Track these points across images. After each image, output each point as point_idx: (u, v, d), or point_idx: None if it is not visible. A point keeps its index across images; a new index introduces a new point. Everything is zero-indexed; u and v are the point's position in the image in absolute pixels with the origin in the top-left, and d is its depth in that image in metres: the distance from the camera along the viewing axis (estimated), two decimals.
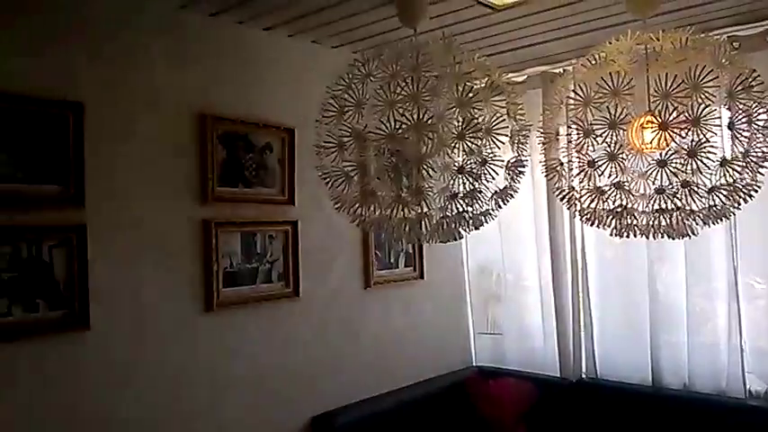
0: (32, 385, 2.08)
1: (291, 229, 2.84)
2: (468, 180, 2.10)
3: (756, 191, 2.16)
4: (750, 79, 2.03)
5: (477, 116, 2.04)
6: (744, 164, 2.08)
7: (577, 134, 2.13)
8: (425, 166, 2.12)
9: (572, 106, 2.13)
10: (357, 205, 2.24)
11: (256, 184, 2.73)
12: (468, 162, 2.09)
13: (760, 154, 2.09)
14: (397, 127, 2.05)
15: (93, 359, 2.22)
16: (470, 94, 2.01)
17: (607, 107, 2.02)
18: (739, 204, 2.16)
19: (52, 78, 2.15)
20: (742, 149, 2.07)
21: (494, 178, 2.18)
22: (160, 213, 2.42)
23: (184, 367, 2.47)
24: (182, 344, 2.47)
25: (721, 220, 2.21)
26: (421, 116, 2.05)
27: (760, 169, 2.13)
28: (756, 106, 2.06)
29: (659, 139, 2.13)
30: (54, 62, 2.16)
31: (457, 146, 2.06)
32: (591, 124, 2.06)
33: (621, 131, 2.05)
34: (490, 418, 3.37)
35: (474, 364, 3.87)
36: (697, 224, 2.19)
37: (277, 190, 2.80)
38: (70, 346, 2.16)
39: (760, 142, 2.09)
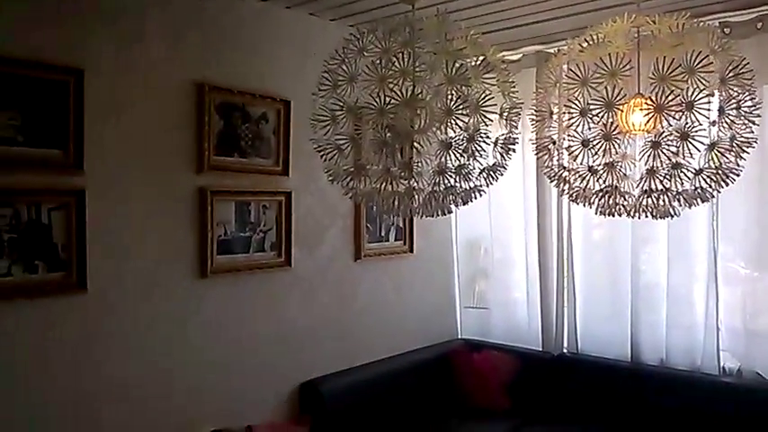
0: (30, 344, 2.13)
1: (285, 199, 2.89)
2: (455, 156, 2.15)
3: (738, 175, 2.24)
4: (740, 67, 2.09)
5: (466, 93, 2.09)
6: (730, 148, 2.15)
7: (571, 114, 2.18)
8: (415, 142, 2.18)
9: (568, 85, 2.17)
10: (349, 178, 2.29)
11: (252, 155, 2.77)
12: (455, 138, 2.14)
13: (745, 139, 2.17)
14: (388, 102, 2.10)
15: (91, 320, 2.28)
16: (460, 71, 2.05)
17: (605, 87, 2.07)
18: (722, 187, 2.24)
19: (53, 44, 2.16)
20: (729, 134, 2.14)
21: (481, 155, 2.24)
22: (157, 180, 2.47)
23: (178, 331, 2.54)
24: (176, 308, 2.53)
25: (704, 201, 2.29)
26: (411, 92, 2.10)
27: (742, 154, 2.21)
28: (745, 93, 2.12)
29: (650, 122, 2.20)
30: (55, 29, 2.17)
31: (448, 122, 2.11)
32: (588, 104, 2.11)
33: (617, 112, 2.10)
34: (474, 388, 3.48)
35: (460, 336, 3.96)
36: (681, 205, 2.27)
37: (272, 161, 2.84)
38: (68, 307, 2.22)
39: (745, 127, 2.16)
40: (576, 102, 2.15)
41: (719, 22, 2.80)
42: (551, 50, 3.41)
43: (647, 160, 2.15)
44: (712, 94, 2.10)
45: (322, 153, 2.30)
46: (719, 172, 2.18)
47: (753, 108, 2.16)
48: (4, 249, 2.07)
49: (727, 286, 3.02)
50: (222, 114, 2.65)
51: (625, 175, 2.24)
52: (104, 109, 2.29)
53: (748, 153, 2.22)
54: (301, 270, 2.99)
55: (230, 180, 2.69)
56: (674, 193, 2.23)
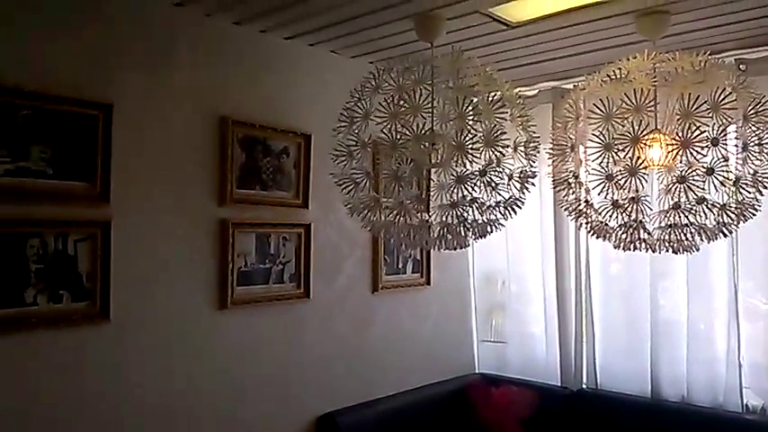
0: (53, 373, 2.15)
1: (305, 231, 2.93)
2: (467, 189, 2.18)
3: (759, 209, 2.26)
4: (761, 104, 2.13)
5: (477, 128, 2.14)
6: (753, 183, 2.17)
7: (594, 148, 2.21)
8: (432, 174, 2.23)
9: (591, 120, 2.21)
10: (366, 211, 2.33)
11: (273, 187, 2.81)
12: (467, 173, 2.17)
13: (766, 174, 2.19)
14: (399, 137, 2.15)
15: (112, 350, 2.30)
16: (470, 107, 2.10)
17: (631, 122, 2.10)
18: (744, 221, 2.25)
19: (84, 80, 2.24)
20: (752, 169, 2.16)
21: (495, 189, 2.27)
22: (180, 212, 2.51)
23: (197, 362, 2.55)
24: (196, 339, 2.55)
25: (725, 236, 2.30)
26: (422, 127, 2.15)
27: (763, 189, 2.23)
28: (766, 130, 2.15)
29: (668, 157, 2.23)
30: (86, 65, 2.25)
31: (461, 156, 2.14)
32: (613, 138, 2.14)
33: (643, 146, 2.13)
34: (491, 424, 3.44)
35: (477, 370, 3.93)
36: (702, 240, 2.28)
37: (292, 193, 2.89)
38: (91, 336, 2.24)
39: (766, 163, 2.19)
40: (601, 136, 2.19)
41: (735, 59, 2.83)
42: (567, 86, 3.46)
43: (674, 194, 2.18)
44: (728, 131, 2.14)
45: (343, 186, 2.37)
46: (744, 206, 2.20)
47: None
48: (30, 279, 2.11)
49: (748, 322, 2.98)
50: (245, 148, 2.71)
51: (650, 207, 2.26)
52: (131, 142, 2.35)
53: (766, 188, 2.25)
54: (320, 301, 3.01)
55: (251, 212, 2.73)
56: (697, 228, 2.25)
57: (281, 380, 2.84)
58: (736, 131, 2.19)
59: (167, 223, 2.47)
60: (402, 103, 2.17)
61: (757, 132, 2.17)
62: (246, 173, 2.71)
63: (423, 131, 2.16)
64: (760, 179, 2.22)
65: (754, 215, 2.26)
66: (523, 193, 2.37)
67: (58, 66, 2.18)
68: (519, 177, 2.33)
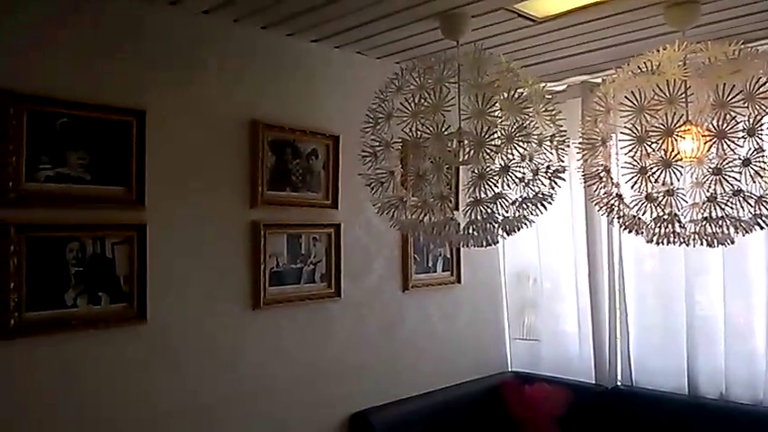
0: (93, 372, 2.22)
1: (335, 231, 2.95)
2: (489, 186, 2.19)
3: None
4: None
5: (499, 124, 2.14)
6: None
7: (627, 141, 2.18)
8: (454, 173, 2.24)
9: (624, 113, 2.19)
10: (393, 209, 2.36)
11: (302, 189, 2.85)
12: (488, 169, 2.18)
13: None
14: (420, 137, 2.16)
15: (150, 350, 2.36)
16: (490, 104, 2.10)
17: (665, 114, 2.08)
18: None
19: (118, 87, 2.30)
20: None
21: (526, 185, 2.26)
22: (213, 215, 2.56)
23: (232, 361, 2.60)
24: (230, 339, 2.60)
25: (761, 228, 2.25)
26: (442, 125, 2.16)
27: None
28: None
29: (702, 149, 2.19)
30: (119, 73, 2.31)
31: (485, 153, 2.14)
32: (647, 131, 2.11)
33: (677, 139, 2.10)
34: (525, 422, 3.42)
35: (509, 368, 3.91)
36: (737, 232, 2.23)
37: (322, 194, 2.92)
38: (129, 336, 2.31)
39: None
40: (635, 129, 2.17)
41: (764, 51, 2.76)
42: (596, 80, 3.42)
43: (708, 187, 2.14)
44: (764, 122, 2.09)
45: (371, 185, 2.39)
46: None
47: None
48: (70, 282, 2.18)
49: None
50: (274, 150, 2.75)
51: (684, 200, 2.23)
52: (164, 147, 2.41)
53: None
54: (350, 301, 3.04)
55: (282, 214, 2.77)
56: (733, 220, 2.20)
57: (313, 378, 2.87)
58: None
59: (200, 226, 2.52)
60: (423, 101, 2.18)
61: None
62: (277, 175, 2.75)
63: (445, 129, 2.17)
64: None
65: None
66: (553, 189, 2.35)
67: (93, 74, 2.25)
68: (547, 172, 2.32)
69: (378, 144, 2.36)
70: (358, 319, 3.08)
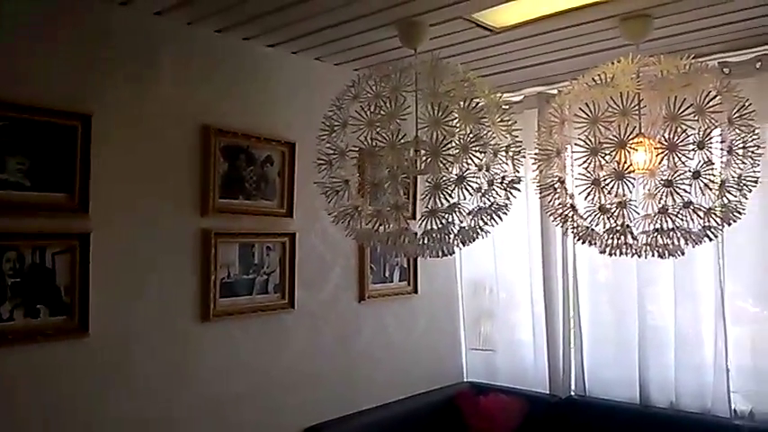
0: (31, 389, 2.10)
1: (289, 240, 2.89)
2: (444, 196, 2.17)
3: (743, 212, 2.25)
4: (745, 108, 2.13)
5: (454, 134, 2.13)
6: (738, 186, 2.17)
7: (583, 152, 2.19)
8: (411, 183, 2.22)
9: (578, 124, 2.20)
10: (348, 219, 2.32)
11: (256, 197, 2.78)
12: (443, 179, 2.16)
13: (751, 177, 2.19)
14: (374, 144, 2.14)
15: (92, 365, 2.24)
16: (445, 113, 2.09)
17: (618, 126, 2.09)
18: (729, 225, 2.24)
19: (62, 90, 2.20)
20: (737, 173, 2.16)
21: (483, 195, 2.26)
22: (161, 223, 2.46)
23: (182, 375, 2.50)
24: (179, 352, 2.50)
25: (710, 239, 2.30)
26: (402, 135, 2.14)
27: (747, 192, 2.23)
28: (750, 133, 2.15)
29: (654, 161, 2.22)
30: (65, 75, 2.21)
31: (441, 162, 2.13)
32: (600, 143, 2.13)
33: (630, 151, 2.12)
34: None
35: (465, 379, 3.90)
36: (687, 244, 2.27)
37: (276, 202, 2.85)
38: (70, 350, 2.19)
39: (751, 166, 2.19)
40: (588, 140, 2.18)
41: (719, 63, 2.84)
42: (552, 91, 3.45)
43: (659, 198, 2.17)
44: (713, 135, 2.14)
45: (327, 193, 2.35)
46: (729, 209, 2.20)
47: (757, 147, 2.19)
48: (6, 294, 2.05)
49: (735, 325, 2.97)
50: (227, 157, 2.67)
51: (637, 213, 2.25)
52: (111, 152, 2.31)
53: (750, 191, 2.25)
54: (305, 312, 2.97)
55: (234, 222, 2.69)
56: (683, 232, 2.24)
57: (265, 392, 2.79)
58: (720, 135, 2.19)
59: (148, 234, 2.42)
60: (379, 110, 2.15)
61: (742, 136, 2.17)
62: (229, 182, 2.68)
63: (401, 138, 2.15)
64: (745, 182, 2.22)
65: (739, 218, 2.25)
66: (508, 199, 2.35)
67: (35, 76, 2.14)
68: (503, 183, 2.32)
69: (333, 152, 2.32)
70: (313, 330, 3.02)
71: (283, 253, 2.87)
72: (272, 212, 2.84)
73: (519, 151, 2.34)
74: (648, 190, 2.28)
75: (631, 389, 3.28)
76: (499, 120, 2.29)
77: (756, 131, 2.20)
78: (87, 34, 2.29)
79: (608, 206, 2.26)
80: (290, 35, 2.70)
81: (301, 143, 2.86)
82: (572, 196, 2.43)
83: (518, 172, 2.36)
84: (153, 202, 2.44)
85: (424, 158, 2.20)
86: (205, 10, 2.44)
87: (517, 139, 2.34)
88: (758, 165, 2.22)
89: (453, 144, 2.14)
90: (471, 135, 2.15)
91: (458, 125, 2.16)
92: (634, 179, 2.23)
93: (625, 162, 2.16)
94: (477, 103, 2.19)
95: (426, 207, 2.22)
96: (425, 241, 2.30)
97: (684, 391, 3.12)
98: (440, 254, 2.35)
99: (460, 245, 2.35)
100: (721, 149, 2.18)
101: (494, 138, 2.24)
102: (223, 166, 2.65)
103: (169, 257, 2.49)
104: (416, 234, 2.30)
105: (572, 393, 3.52)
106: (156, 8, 2.42)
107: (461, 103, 2.16)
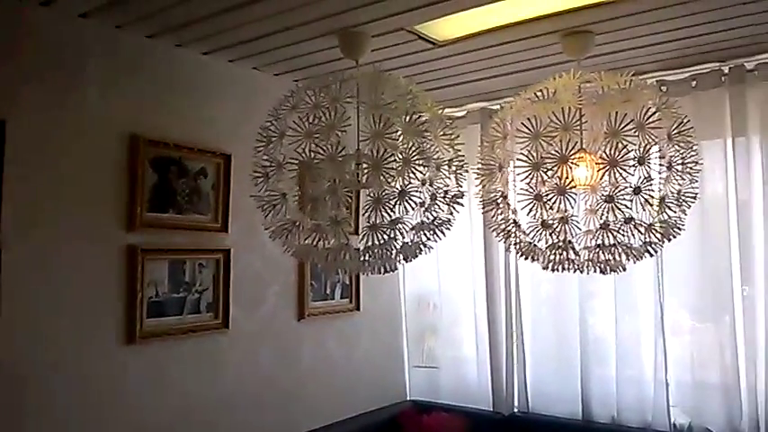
0: None
1: (224, 257, 2.75)
2: (386, 211, 2.10)
3: (682, 228, 2.27)
4: (684, 124, 2.14)
5: (396, 147, 2.06)
6: (678, 202, 2.18)
7: (526, 167, 2.16)
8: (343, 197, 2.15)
9: (519, 139, 2.17)
10: (286, 234, 2.22)
11: (188, 211, 2.63)
12: (384, 193, 2.09)
13: (690, 193, 2.20)
14: (313, 157, 2.05)
15: (5, 396, 2.05)
16: (385, 125, 2.03)
17: (559, 141, 2.07)
18: (669, 240, 2.25)
19: None
20: (676, 188, 2.17)
21: (427, 209, 2.20)
22: (83, 239, 2.29)
23: (103, 404, 2.32)
24: (100, 377, 2.32)
25: (651, 255, 2.30)
26: (342, 147, 2.06)
27: (687, 208, 2.24)
28: (689, 150, 2.17)
29: (594, 177, 2.22)
30: None
31: (383, 176, 2.06)
32: (542, 158, 2.10)
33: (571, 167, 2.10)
34: None
35: (408, 397, 3.82)
36: (629, 259, 2.27)
37: (210, 217, 2.71)
38: None
39: (689, 182, 2.20)
40: (531, 155, 2.15)
41: (656, 81, 2.89)
42: (495, 107, 3.45)
43: (602, 214, 2.16)
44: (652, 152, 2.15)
45: (265, 208, 2.24)
46: (669, 225, 2.21)
47: (695, 164, 2.21)
48: None
49: (674, 339, 3.00)
50: (157, 168, 2.52)
51: (579, 229, 2.23)
52: (28, 161, 2.14)
53: (690, 207, 2.27)
54: (240, 332, 2.82)
55: (164, 237, 2.54)
56: (625, 248, 2.23)
57: (199, 419, 2.63)
58: (659, 151, 2.20)
59: (68, 251, 2.25)
60: (318, 121, 2.07)
61: (681, 152, 2.19)
62: (159, 195, 2.53)
63: (340, 150, 2.06)
64: (684, 198, 2.23)
65: (678, 234, 2.27)
66: (452, 214, 2.30)
67: None
68: (446, 197, 2.26)
69: (270, 164, 2.21)
70: (249, 351, 2.88)
71: (217, 270, 2.73)
72: (206, 227, 2.70)
73: (462, 165, 2.29)
74: (590, 206, 2.28)
75: (574, 404, 3.27)
76: (442, 133, 2.23)
77: (695, 147, 2.22)
78: (2, 35, 2.11)
79: (550, 221, 2.23)
80: (225, 43, 2.59)
81: (238, 155, 2.73)
82: (515, 211, 2.41)
83: (461, 187, 2.30)
84: (75, 215, 2.27)
85: (366, 172, 2.12)
86: (134, 13, 2.31)
87: (460, 153, 2.29)
88: (696, 181, 2.24)
89: (395, 158, 2.06)
90: (414, 148, 2.08)
91: (400, 138, 2.09)
92: (575, 194, 2.22)
93: (567, 177, 2.14)
94: (420, 116, 2.13)
95: (368, 222, 2.14)
96: (367, 257, 2.22)
97: (626, 406, 3.12)
98: (382, 270, 2.27)
99: (403, 261, 2.27)
100: (661, 165, 2.19)
101: (437, 152, 2.19)
102: (152, 179, 2.50)
103: (91, 275, 2.31)
104: (358, 250, 2.22)
105: (515, 410, 3.49)
106: (81, 10, 2.27)
107: (404, 115, 2.09)
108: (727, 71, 2.83)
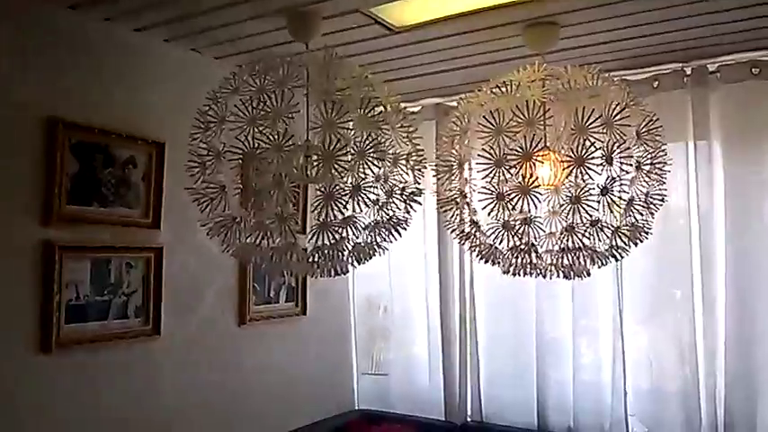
0: None
1: (155, 256, 2.49)
2: (338, 208, 1.91)
3: (650, 232, 2.15)
4: (653, 122, 2.03)
5: (349, 137, 1.88)
6: (645, 205, 2.06)
7: (487, 164, 2.01)
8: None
9: (480, 134, 2.01)
10: (224, 231, 2.00)
11: (115, 204, 2.37)
12: (337, 188, 1.90)
13: (657, 195, 2.09)
14: (256, 146, 1.85)
15: None
16: (338, 113, 1.84)
17: (523, 136, 1.92)
18: (636, 244, 2.14)
19: None
20: (644, 190, 2.05)
21: (380, 208, 2.02)
22: None
23: (11, 420, 2.03)
24: (8, 392, 2.03)
25: (617, 260, 2.19)
26: (284, 134, 1.86)
27: (654, 210, 2.13)
28: (657, 149, 2.05)
29: (558, 176, 2.08)
30: None
31: (334, 169, 1.86)
32: (504, 154, 1.94)
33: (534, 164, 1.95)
34: None
35: (357, 407, 3.64)
36: (595, 264, 2.14)
37: (140, 211, 2.46)
38: None
39: (657, 184, 2.09)
40: (492, 152, 2.00)
41: (619, 80, 2.79)
42: (451, 104, 3.30)
43: (566, 216, 2.02)
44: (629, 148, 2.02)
45: (203, 201, 2.01)
46: (636, 229, 2.09)
47: (664, 164, 2.10)
48: None
49: (633, 346, 2.91)
50: (79, 156, 2.26)
51: (543, 231, 2.09)
52: None
53: (657, 210, 2.16)
54: (173, 339, 2.57)
55: (86, 233, 2.27)
56: (590, 252, 2.11)
57: None
58: (628, 149, 2.08)
59: None
60: (262, 106, 1.86)
61: (650, 151, 2.07)
62: (81, 186, 2.26)
63: (287, 140, 1.86)
64: (651, 201, 2.12)
65: (646, 238, 2.15)
66: (408, 213, 2.12)
67: None
68: (402, 194, 2.08)
69: (208, 153, 1.99)
70: (183, 360, 2.62)
71: (147, 270, 2.47)
72: (135, 222, 2.44)
73: (421, 161, 2.12)
74: (552, 207, 2.13)
75: (529, 411, 3.16)
76: (399, 125, 2.06)
77: (663, 147, 2.11)
78: None
79: (512, 223, 2.08)
80: (159, 19, 2.34)
81: (173, 144, 2.48)
82: (474, 212, 2.25)
83: (419, 183, 2.13)
84: None
85: (315, 165, 1.92)
86: None
87: (418, 146, 2.12)
88: (664, 182, 2.13)
89: (349, 150, 1.87)
90: (369, 140, 1.89)
91: (354, 129, 1.90)
92: (539, 194, 2.07)
93: (531, 176, 2.00)
94: (377, 105, 1.95)
95: (317, 220, 1.94)
96: (316, 258, 2.02)
97: (583, 415, 3.02)
98: (332, 273, 2.07)
99: (355, 263, 2.08)
100: (629, 165, 2.07)
101: (392, 145, 2.01)
102: (74, 167, 2.24)
103: None
104: (306, 250, 2.01)
105: (468, 419, 3.35)
106: None
107: (358, 103, 1.90)
108: (689, 72, 2.76)
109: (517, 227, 2.09)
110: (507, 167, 2.01)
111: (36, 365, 2.12)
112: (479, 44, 2.57)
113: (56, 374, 2.17)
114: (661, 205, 2.14)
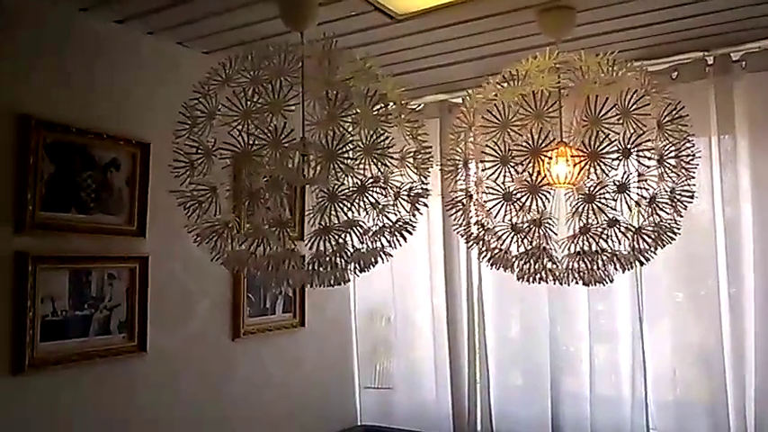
0: None
1: (140, 266, 2.32)
2: (342, 210, 1.73)
3: (678, 233, 1.97)
4: (677, 110, 1.84)
5: (353, 133, 1.70)
6: (670, 202, 1.88)
7: (489, 163, 1.83)
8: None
9: (485, 129, 1.83)
10: (215, 238, 1.81)
11: (95, 210, 2.20)
12: (341, 189, 1.72)
13: (686, 192, 1.90)
14: (251, 142, 1.67)
15: None
16: (342, 107, 1.66)
17: (530, 131, 1.74)
18: (662, 247, 1.95)
19: None
20: (669, 186, 1.86)
21: (374, 208, 1.83)
22: None
23: None
24: None
25: (641, 263, 2.01)
26: (282, 130, 1.68)
27: (682, 209, 1.95)
28: (683, 141, 1.87)
29: (578, 174, 1.89)
30: None
31: (336, 168, 1.68)
32: (510, 150, 1.76)
33: (543, 160, 1.77)
34: None
35: (359, 422, 3.47)
36: (617, 269, 1.96)
37: (123, 218, 2.28)
38: None
39: (684, 178, 1.91)
40: (497, 148, 1.82)
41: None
42: (456, 100, 3.13)
43: (582, 216, 1.84)
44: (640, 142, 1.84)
45: (191, 205, 1.83)
46: (661, 229, 1.91)
47: (692, 157, 1.92)
48: None
49: (655, 356, 2.72)
50: (56, 158, 2.08)
51: (555, 233, 1.91)
52: None
53: (686, 208, 1.98)
54: (161, 355, 2.38)
55: (64, 242, 2.10)
56: (610, 255, 1.92)
57: None
58: (648, 141, 1.89)
59: None
60: (257, 98, 1.68)
61: (674, 143, 1.89)
62: (57, 190, 2.09)
63: (286, 135, 1.68)
64: (678, 197, 1.93)
65: (673, 239, 1.97)
66: (414, 215, 1.94)
67: None
68: (408, 195, 1.90)
69: (196, 151, 1.80)
70: (172, 378, 2.44)
71: (132, 282, 2.30)
72: (117, 230, 2.26)
73: (428, 159, 1.93)
74: (572, 206, 1.95)
75: (543, 427, 2.97)
76: (405, 120, 1.88)
77: (689, 138, 1.93)
78: None
79: (521, 225, 1.90)
80: (141, 9, 2.16)
81: (159, 145, 2.30)
82: (483, 214, 2.07)
83: (426, 183, 1.95)
84: None
85: (316, 164, 1.74)
86: None
87: (425, 143, 1.93)
88: (693, 177, 1.94)
89: (354, 146, 1.69)
90: (376, 137, 1.71)
91: (357, 122, 1.72)
92: (549, 192, 1.88)
93: (540, 172, 1.81)
94: (383, 97, 1.77)
95: (319, 224, 1.75)
96: (316, 267, 1.83)
97: (600, 429, 2.83)
98: (333, 282, 1.89)
99: (357, 271, 1.90)
100: (649, 159, 1.88)
101: (394, 143, 1.82)
102: (49, 170, 2.06)
103: None
104: (305, 258, 1.83)
105: None
106: None
107: (363, 96, 1.72)
108: (711, 61, 2.59)
109: (527, 229, 1.91)
110: (513, 165, 1.83)
111: (7, 387, 1.93)
112: (488, 33, 2.41)
113: (29, 398, 1.98)
114: (690, 202, 1.95)
